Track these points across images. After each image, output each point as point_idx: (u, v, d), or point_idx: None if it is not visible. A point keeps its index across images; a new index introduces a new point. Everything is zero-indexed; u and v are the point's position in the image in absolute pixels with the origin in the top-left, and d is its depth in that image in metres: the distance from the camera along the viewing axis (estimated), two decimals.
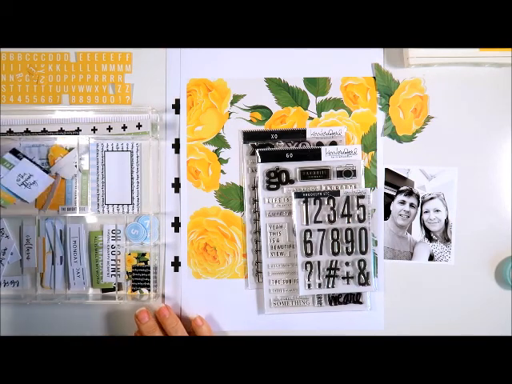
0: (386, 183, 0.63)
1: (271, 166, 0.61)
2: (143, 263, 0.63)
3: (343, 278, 0.61)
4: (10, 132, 0.62)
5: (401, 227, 0.63)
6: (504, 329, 0.62)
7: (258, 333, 0.62)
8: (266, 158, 0.61)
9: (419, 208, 0.63)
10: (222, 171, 0.63)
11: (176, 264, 0.63)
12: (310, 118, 0.63)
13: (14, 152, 0.61)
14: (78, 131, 0.62)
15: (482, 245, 0.63)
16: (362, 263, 0.60)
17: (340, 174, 0.61)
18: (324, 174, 0.61)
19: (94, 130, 0.62)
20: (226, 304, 0.63)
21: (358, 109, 0.63)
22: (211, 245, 0.63)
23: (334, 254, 0.60)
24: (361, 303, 0.62)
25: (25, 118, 0.62)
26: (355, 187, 0.61)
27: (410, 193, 0.63)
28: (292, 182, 0.61)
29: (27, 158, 0.62)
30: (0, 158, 0.61)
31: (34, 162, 0.62)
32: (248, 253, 0.63)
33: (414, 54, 0.60)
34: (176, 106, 0.63)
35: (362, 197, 0.60)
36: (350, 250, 0.60)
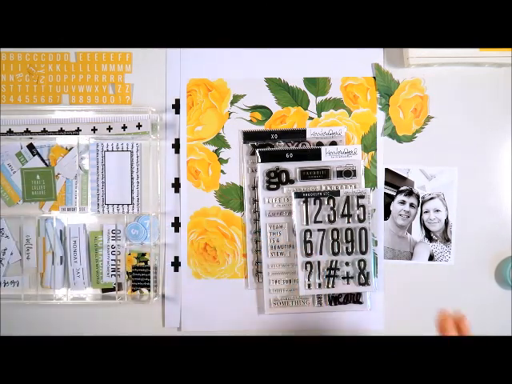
0: (386, 183, 0.63)
1: (271, 165, 0.61)
2: (143, 263, 0.63)
3: (343, 277, 0.61)
4: (9, 132, 0.62)
5: (401, 227, 0.63)
6: (504, 329, 0.62)
7: (258, 333, 0.62)
8: (266, 157, 0.61)
9: (419, 208, 0.63)
10: (222, 171, 0.63)
11: (176, 264, 0.63)
12: (310, 118, 0.63)
13: (30, 147, 0.62)
14: (77, 131, 0.62)
15: (481, 245, 0.63)
16: (361, 263, 0.60)
17: (340, 174, 0.61)
18: (324, 174, 0.61)
19: (94, 129, 0.62)
20: (226, 304, 0.63)
21: (358, 109, 0.63)
22: (211, 245, 0.63)
23: (334, 253, 0.60)
24: (361, 303, 0.62)
25: (25, 117, 0.62)
26: (355, 187, 0.61)
27: (409, 193, 0.63)
28: (292, 182, 0.61)
29: (40, 155, 0.62)
30: (17, 152, 0.62)
31: (44, 161, 0.62)
32: (248, 253, 0.63)
33: (414, 53, 0.60)
34: (176, 106, 0.63)
35: (362, 197, 0.60)
36: (349, 249, 0.60)
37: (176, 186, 0.63)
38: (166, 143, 0.63)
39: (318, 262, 0.60)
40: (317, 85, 0.63)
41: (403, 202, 0.63)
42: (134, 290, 0.63)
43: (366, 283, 0.61)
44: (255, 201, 0.62)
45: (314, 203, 0.60)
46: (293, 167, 0.61)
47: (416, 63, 0.60)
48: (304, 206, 0.60)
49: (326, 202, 0.60)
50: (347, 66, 0.63)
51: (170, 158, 0.63)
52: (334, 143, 0.62)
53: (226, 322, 0.62)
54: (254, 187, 0.62)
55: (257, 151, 0.62)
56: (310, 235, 0.60)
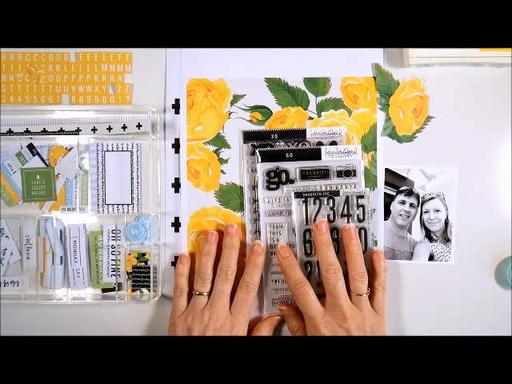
0: (386, 183, 0.63)
1: (271, 165, 0.61)
2: (143, 263, 0.63)
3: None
4: (9, 132, 0.62)
5: (401, 227, 0.63)
6: (504, 329, 0.62)
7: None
8: (266, 157, 0.61)
9: (419, 208, 0.63)
10: (221, 171, 0.63)
11: (176, 264, 0.63)
12: (310, 118, 0.63)
13: (30, 147, 0.62)
14: (77, 131, 0.62)
15: (482, 245, 0.63)
16: None
17: (340, 173, 0.61)
18: (324, 173, 0.61)
19: (94, 130, 0.62)
20: None
21: (357, 109, 0.63)
22: None
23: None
24: None
25: (25, 117, 0.62)
26: (355, 187, 0.61)
27: (410, 193, 0.63)
28: (292, 181, 0.61)
29: (40, 155, 0.62)
30: (17, 152, 0.63)
31: (44, 161, 0.62)
32: (248, 253, 0.63)
33: (414, 53, 0.60)
34: (176, 106, 0.63)
35: (362, 197, 0.60)
36: None
37: (176, 186, 0.63)
38: (165, 143, 0.63)
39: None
40: (317, 85, 0.63)
41: (403, 202, 0.63)
42: (134, 290, 0.63)
43: None
44: (255, 201, 0.62)
45: (314, 203, 0.60)
46: (293, 167, 0.61)
47: (416, 63, 0.60)
48: (304, 206, 0.60)
49: (326, 202, 0.60)
50: (347, 66, 0.63)
51: (169, 158, 0.63)
52: (334, 143, 0.62)
53: None
54: (254, 187, 0.62)
55: (257, 151, 0.62)
56: (310, 235, 0.60)
